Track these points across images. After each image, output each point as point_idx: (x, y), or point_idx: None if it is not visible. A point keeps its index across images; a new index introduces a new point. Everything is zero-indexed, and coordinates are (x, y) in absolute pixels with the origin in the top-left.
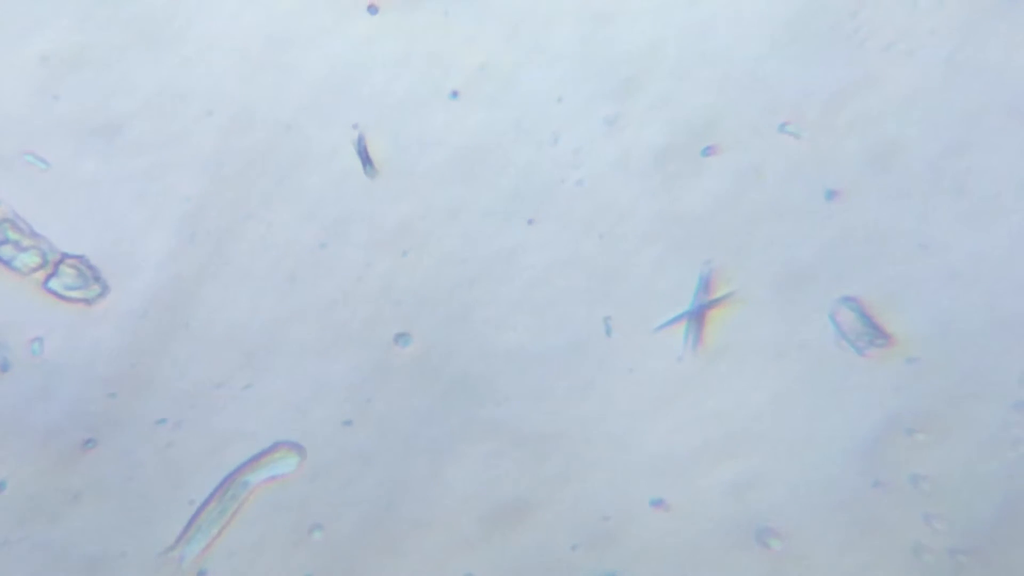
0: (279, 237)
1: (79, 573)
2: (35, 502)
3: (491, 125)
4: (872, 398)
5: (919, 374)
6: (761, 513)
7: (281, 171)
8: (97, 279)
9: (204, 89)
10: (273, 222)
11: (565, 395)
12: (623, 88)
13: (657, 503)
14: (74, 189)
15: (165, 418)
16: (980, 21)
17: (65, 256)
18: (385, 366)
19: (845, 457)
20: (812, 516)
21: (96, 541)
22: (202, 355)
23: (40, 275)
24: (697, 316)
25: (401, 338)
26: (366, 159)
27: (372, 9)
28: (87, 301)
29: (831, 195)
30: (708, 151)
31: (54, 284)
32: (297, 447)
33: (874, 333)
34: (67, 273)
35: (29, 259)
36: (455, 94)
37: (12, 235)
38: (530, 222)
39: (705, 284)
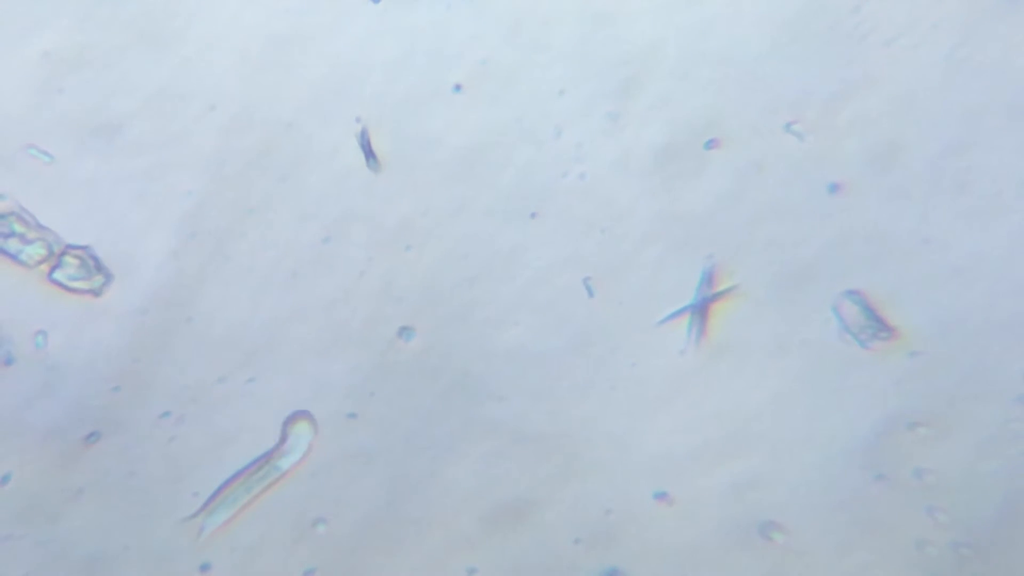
0: (280, 235)
1: (82, 567)
2: (38, 497)
3: (493, 121)
4: (875, 393)
5: (922, 368)
6: (764, 508)
7: (282, 169)
8: (100, 269)
9: (205, 88)
10: (274, 220)
11: (566, 394)
12: (623, 87)
13: (661, 496)
14: (75, 188)
15: (168, 412)
16: (981, 18)
17: (69, 247)
18: (386, 364)
19: (848, 452)
20: (815, 511)
21: (99, 535)
22: (204, 351)
23: (45, 267)
24: (700, 310)
25: (404, 332)
26: (369, 152)
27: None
28: (93, 292)
29: (833, 188)
30: (711, 144)
31: (58, 275)
32: (308, 416)
33: (878, 326)
34: (70, 264)
35: (35, 251)
36: (458, 87)
37: (18, 228)
38: (533, 215)
39: (708, 278)
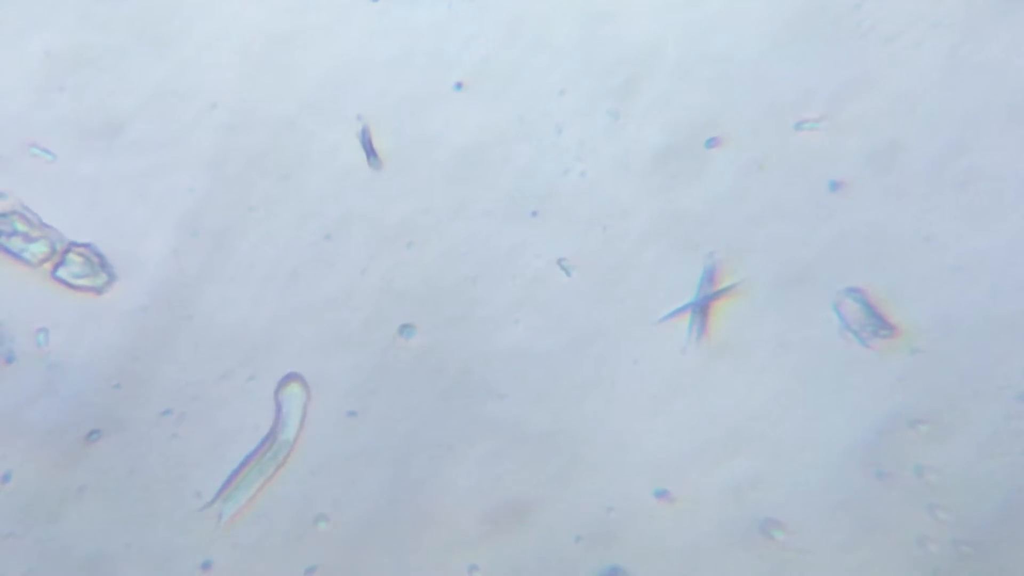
0: (281, 233)
1: (83, 565)
2: (39, 495)
3: (493, 119)
4: (876, 391)
5: (923, 366)
6: (765, 506)
7: (283, 168)
8: (104, 266)
9: (206, 86)
10: (275, 219)
11: (566, 392)
12: (624, 86)
13: (661, 494)
14: (76, 187)
15: (169, 410)
16: (981, 17)
17: (72, 244)
18: (386, 363)
19: (849, 450)
20: (816, 509)
21: (100, 533)
22: (205, 349)
23: (49, 265)
24: (701, 308)
25: (405, 330)
26: (370, 151)
27: None
28: (96, 290)
29: (834, 186)
30: (712, 143)
31: (62, 273)
32: (296, 377)
33: (878, 324)
34: (74, 261)
35: (38, 249)
36: (459, 86)
37: (20, 227)
38: (534, 214)
39: (709, 276)
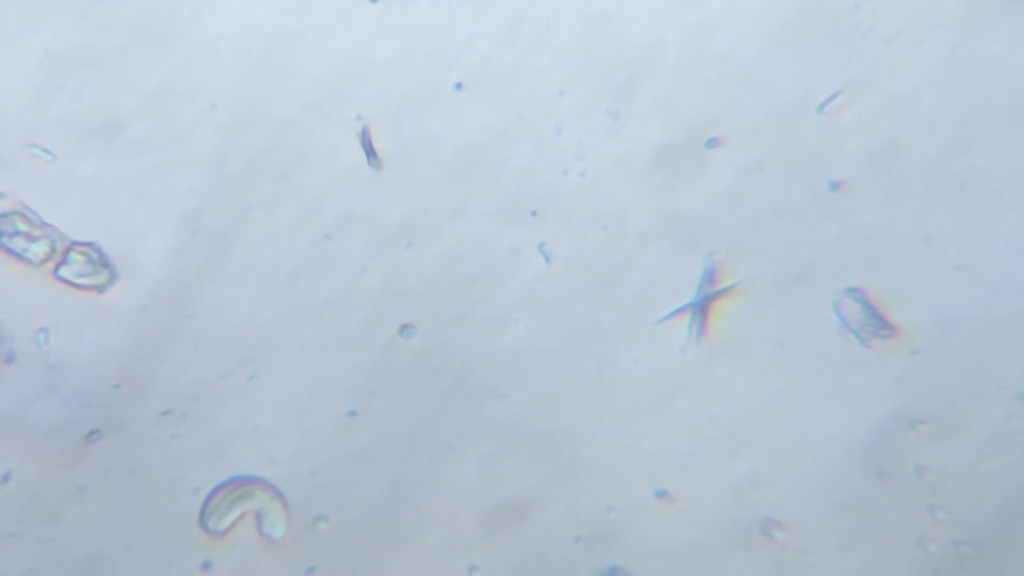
0: (281, 233)
1: (83, 565)
2: (39, 495)
3: (493, 119)
4: (876, 391)
5: (923, 366)
6: (765, 506)
7: (283, 168)
8: (107, 266)
9: (206, 86)
10: (275, 218)
11: (566, 392)
12: (624, 86)
13: (661, 494)
14: (77, 186)
15: (170, 410)
16: (981, 17)
17: (75, 244)
18: (386, 363)
19: (849, 450)
20: (816, 509)
21: (100, 533)
22: (206, 349)
23: (51, 264)
24: (701, 308)
25: (405, 330)
26: (370, 151)
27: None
28: (98, 288)
29: (834, 186)
30: (712, 143)
31: (64, 272)
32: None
33: (878, 324)
34: (77, 260)
35: (40, 248)
36: (459, 86)
37: (22, 226)
38: (534, 214)
39: (709, 276)
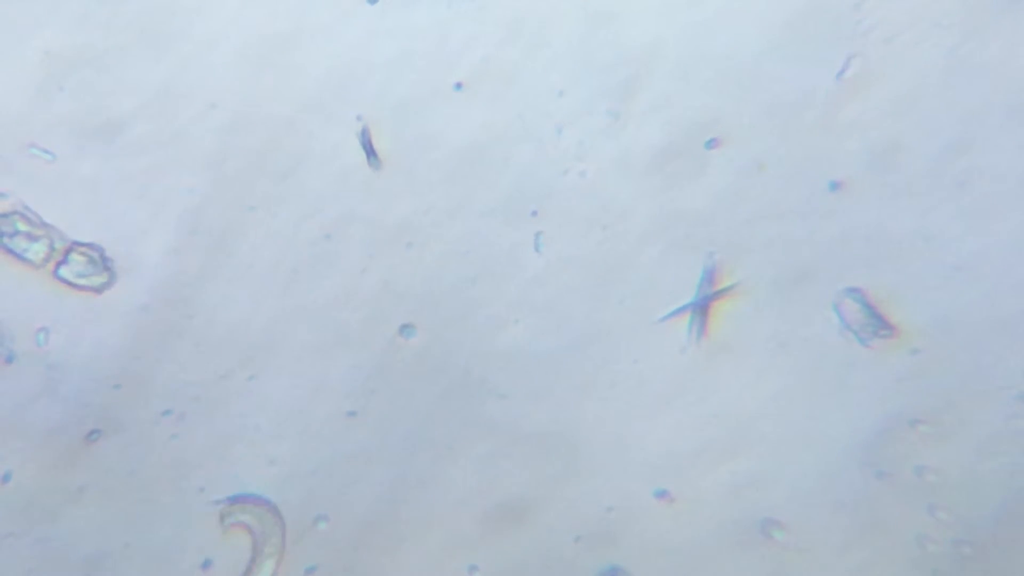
0: (281, 233)
1: (83, 566)
2: (38, 495)
3: (493, 119)
4: (875, 391)
5: (923, 366)
6: (765, 506)
7: (283, 168)
8: (107, 267)
9: (205, 86)
10: (275, 218)
11: (566, 392)
12: (624, 86)
13: (661, 494)
14: (76, 186)
15: (170, 410)
16: (981, 17)
17: (75, 244)
18: (386, 363)
19: (848, 450)
20: (815, 509)
21: (100, 533)
22: (206, 349)
23: (51, 264)
24: (701, 308)
25: (405, 330)
26: (370, 151)
27: (371, 0)
28: (96, 289)
29: (834, 186)
30: (712, 143)
31: (64, 272)
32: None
33: (878, 324)
34: (77, 260)
35: (40, 248)
36: (459, 86)
37: (22, 226)
38: (533, 214)
39: (709, 276)
